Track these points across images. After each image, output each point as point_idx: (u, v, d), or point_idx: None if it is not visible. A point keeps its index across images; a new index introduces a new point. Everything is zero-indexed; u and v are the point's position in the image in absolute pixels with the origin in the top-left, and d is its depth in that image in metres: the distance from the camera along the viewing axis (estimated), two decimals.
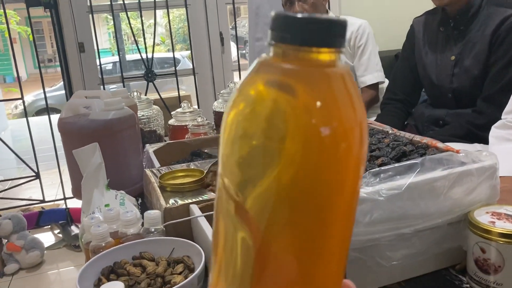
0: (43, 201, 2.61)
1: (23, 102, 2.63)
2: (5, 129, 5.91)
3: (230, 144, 0.26)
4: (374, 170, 0.66)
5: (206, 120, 1.46)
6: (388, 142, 0.85)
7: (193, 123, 1.44)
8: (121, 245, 0.76)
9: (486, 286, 0.64)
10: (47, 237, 2.37)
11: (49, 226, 2.47)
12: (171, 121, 1.54)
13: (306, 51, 0.25)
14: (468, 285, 0.67)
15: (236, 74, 2.85)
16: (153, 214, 0.79)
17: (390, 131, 0.93)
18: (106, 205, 0.90)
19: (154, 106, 1.63)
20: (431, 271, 0.71)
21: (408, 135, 0.88)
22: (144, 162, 1.23)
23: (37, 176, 2.58)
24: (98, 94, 1.30)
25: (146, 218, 0.79)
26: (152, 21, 2.60)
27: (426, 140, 0.84)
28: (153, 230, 0.79)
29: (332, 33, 0.25)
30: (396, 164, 0.67)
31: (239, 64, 2.78)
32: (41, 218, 2.38)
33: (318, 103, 0.24)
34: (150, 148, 1.25)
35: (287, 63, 0.25)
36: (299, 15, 0.24)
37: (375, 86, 1.96)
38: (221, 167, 0.27)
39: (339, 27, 0.25)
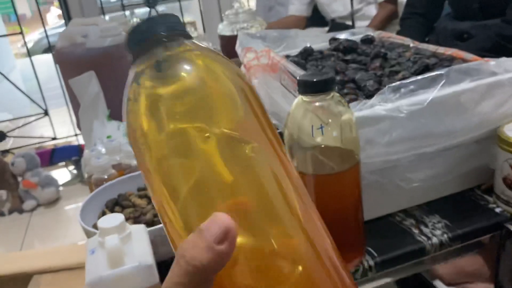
0: (54, 138, 2.61)
1: (24, 38, 2.55)
2: (13, 68, 5.84)
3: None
4: (393, 84, 0.59)
5: (212, 45, 1.38)
6: (409, 56, 0.76)
7: None
8: (124, 176, 0.72)
9: None
10: (62, 174, 2.39)
11: (64, 163, 2.48)
12: None
13: None
14: (494, 205, 0.63)
15: None
16: None
17: (412, 44, 0.84)
18: (108, 137, 0.85)
19: None
20: (455, 192, 0.66)
21: (431, 47, 0.80)
22: None
23: (46, 113, 2.56)
24: (95, 21, 1.22)
25: None
26: None
27: (451, 51, 0.75)
28: None
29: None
30: (419, 77, 0.60)
31: None
32: (54, 155, 2.38)
33: None
34: None
35: None
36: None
37: (393, 0, 1.82)
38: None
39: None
